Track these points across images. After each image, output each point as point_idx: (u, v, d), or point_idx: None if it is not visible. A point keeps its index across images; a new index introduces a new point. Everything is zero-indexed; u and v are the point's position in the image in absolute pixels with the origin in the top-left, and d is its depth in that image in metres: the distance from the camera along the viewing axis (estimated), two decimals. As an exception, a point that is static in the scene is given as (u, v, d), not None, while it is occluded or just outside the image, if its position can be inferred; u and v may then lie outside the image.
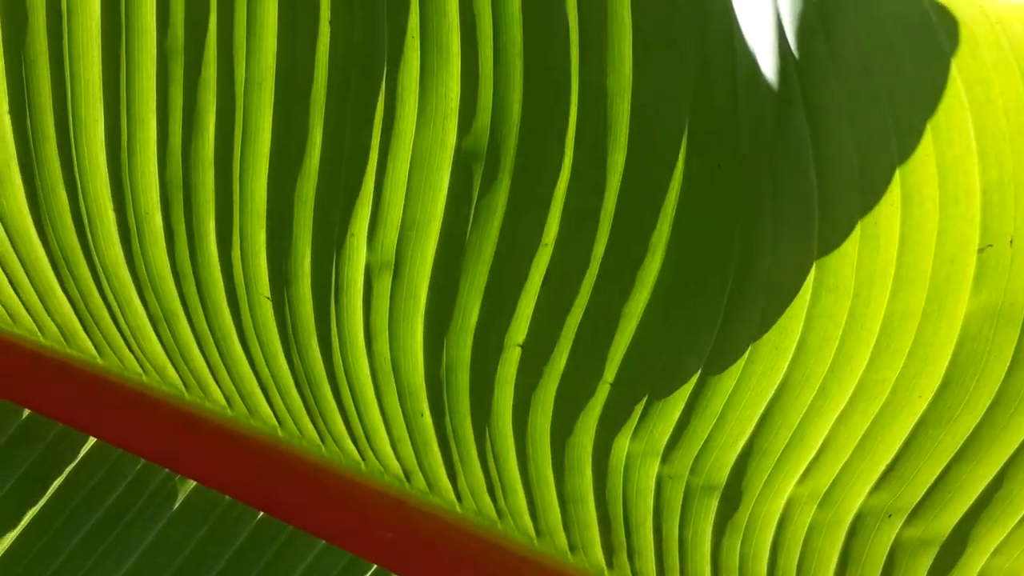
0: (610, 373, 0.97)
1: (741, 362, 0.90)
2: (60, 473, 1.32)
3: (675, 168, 0.83)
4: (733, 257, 0.83)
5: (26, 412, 1.33)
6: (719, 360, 0.90)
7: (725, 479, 1.02)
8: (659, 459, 1.04)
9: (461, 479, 1.23)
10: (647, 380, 0.96)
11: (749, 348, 0.88)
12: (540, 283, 0.96)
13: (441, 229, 0.98)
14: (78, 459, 1.33)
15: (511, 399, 1.07)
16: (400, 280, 1.03)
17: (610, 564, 1.22)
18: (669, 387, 0.95)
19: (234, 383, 1.27)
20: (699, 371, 0.92)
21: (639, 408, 0.98)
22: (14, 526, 1.30)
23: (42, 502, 1.31)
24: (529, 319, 0.99)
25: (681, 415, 0.97)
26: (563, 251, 0.92)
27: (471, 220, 0.96)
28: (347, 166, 0.97)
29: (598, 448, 1.06)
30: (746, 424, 0.94)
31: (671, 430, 1.00)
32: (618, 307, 0.92)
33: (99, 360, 1.32)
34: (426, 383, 1.12)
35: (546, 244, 0.93)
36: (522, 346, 1.01)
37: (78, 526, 1.31)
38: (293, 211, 1.03)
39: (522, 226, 0.93)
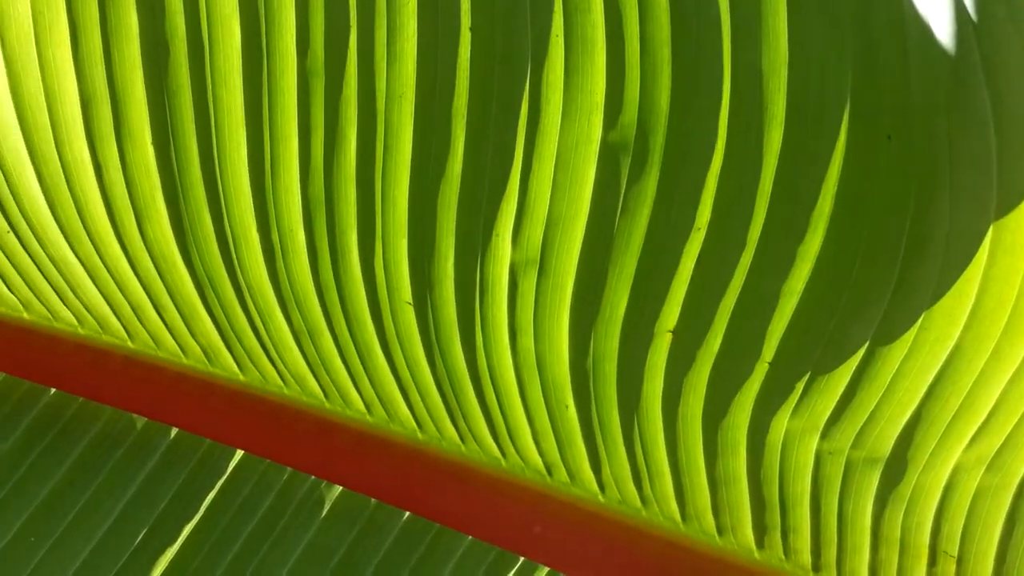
0: (768, 352, 0.96)
1: (913, 330, 0.88)
2: (212, 488, 1.34)
3: (837, 141, 0.82)
4: (906, 227, 0.81)
5: (174, 431, 1.36)
6: (889, 331, 0.88)
7: (889, 450, 1.00)
8: (819, 435, 1.03)
9: (605, 468, 1.22)
10: (809, 356, 0.94)
11: (922, 316, 0.86)
12: (692, 268, 0.95)
13: (587, 222, 0.97)
14: (227, 473, 1.35)
15: (661, 385, 1.07)
16: (546, 276, 1.03)
17: (760, 544, 1.21)
18: (833, 362, 0.93)
19: (375, 390, 1.28)
20: (867, 343, 0.90)
21: (800, 385, 0.97)
22: (173, 541, 1.33)
23: (197, 517, 1.33)
24: (681, 304, 0.98)
25: (845, 389, 0.96)
26: (717, 234, 0.91)
27: (619, 211, 0.95)
28: (491, 168, 0.97)
29: (754, 428, 1.05)
30: (915, 393, 0.93)
31: (833, 405, 0.98)
32: (777, 286, 0.91)
33: (241, 376, 1.34)
34: (571, 375, 1.12)
35: (699, 228, 0.92)
36: (674, 332, 1.00)
37: (233, 538, 1.34)
38: (436, 216, 1.04)
39: (673, 213, 0.92)
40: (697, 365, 1.01)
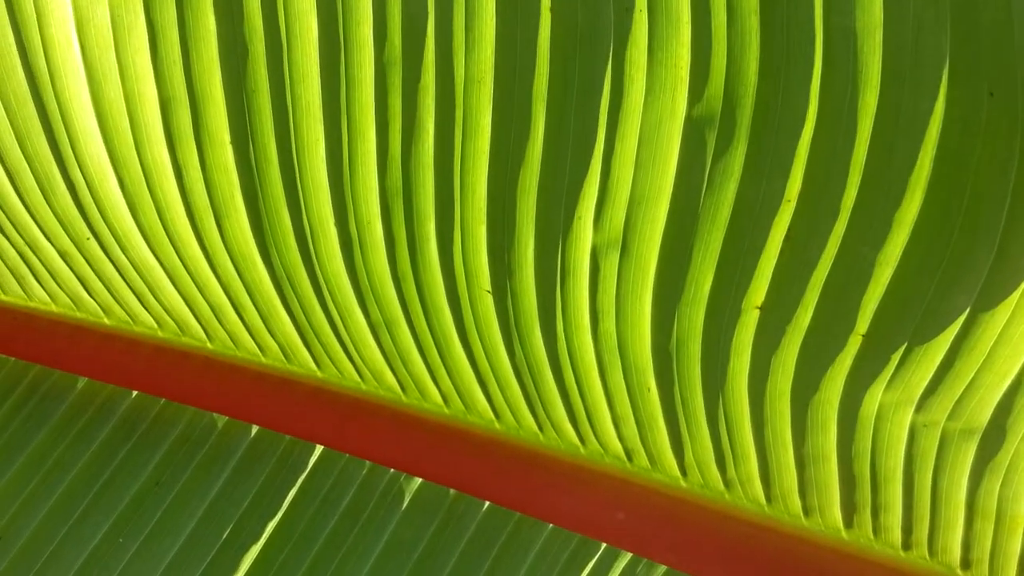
0: (863, 324, 0.93)
1: (1016, 295, 0.84)
2: (294, 484, 1.34)
3: (936, 101, 0.79)
4: (1008, 187, 0.78)
5: (255, 428, 1.36)
6: (990, 296, 0.85)
7: (987, 420, 0.97)
8: (914, 407, 0.99)
9: (688, 452, 1.20)
10: (906, 327, 0.91)
11: (1026, 279, 0.83)
12: (781, 241, 0.92)
13: (671, 201, 0.95)
14: (308, 469, 1.34)
15: (748, 363, 1.04)
16: (628, 257, 1.01)
17: (849, 524, 1.18)
18: (931, 331, 0.90)
19: (452, 381, 1.27)
20: (967, 310, 0.87)
21: (896, 357, 0.94)
22: (258, 538, 1.32)
23: (280, 513, 1.33)
24: (769, 279, 0.95)
25: (943, 359, 0.93)
26: (808, 205, 0.89)
27: (704, 187, 0.93)
28: (573, 150, 0.96)
29: (846, 404, 1.02)
30: (1015, 360, 0.89)
31: (930, 376, 0.95)
32: (872, 254, 0.88)
33: (319, 373, 1.34)
34: (653, 357, 1.10)
35: (789, 200, 0.89)
36: (761, 308, 0.98)
37: (317, 533, 1.33)
38: (516, 202, 1.02)
39: (762, 185, 0.90)
40: (786, 341, 0.99)
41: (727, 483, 1.22)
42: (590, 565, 1.28)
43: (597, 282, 1.04)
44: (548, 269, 1.05)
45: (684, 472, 1.23)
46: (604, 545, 1.28)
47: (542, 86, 0.93)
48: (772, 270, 0.94)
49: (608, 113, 0.92)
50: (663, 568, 1.27)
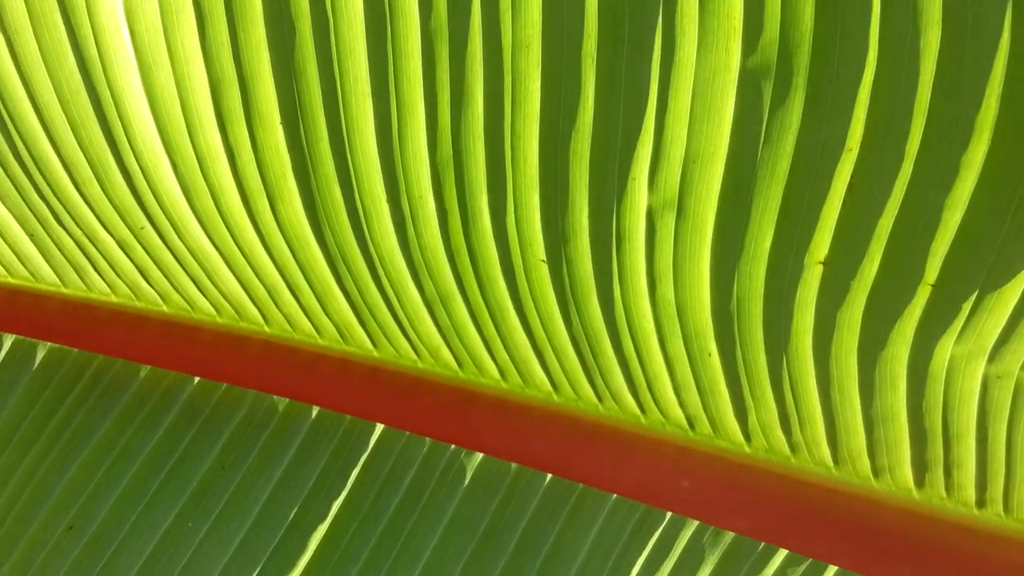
0: (931, 274, 0.91)
1: (1092, 234, 0.82)
2: (356, 463, 1.35)
3: (1001, 37, 0.76)
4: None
5: (315, 410, 1.37)
6: (1066, 236, 0.82)
7: (1065, 368, 0.94)
8: (986, 358, 0.97)
9: (752, 416, 1.18)
10: (976, 274, 0.89)
11: (1103, 217, 0.80)
12: (844, 192, 0.90)
13: (727, 156, 0.94)
14: (370, 448, 1.35)
15: (812, 321, 1.02)
16: (684, 217, 1.00)
17: (920, 483, 1.15)
18: (1003, 277, 0.87)
19: (509, 354, 1.26)
20: (1042, 253, 0.85)
21: (966, 307, 0.92)
22: (324, 518, 1.33)
23: (344, 492, 1.34)
24: (832, 232, 0.93)
25: (1016, 306, 0.90)
26: (870, 152, 0.86)
27: (761, 141, 0.91)
28: (624, 110, 0.94)
29: (915, 358, 1.00)
30: (1094, 303, 0.86)
31: (1003, 325, 0.92)
32: (939, 200, 0.86)
33: (375, 353, 1.34)
34: (714, 320, 1.08)
35: (850, 149, 0.87)
36: (824, 263, 0.96)
37: (381, 512, 1.34)
38: (568, 167, 1.01)
39: (821, 135, 0.88)
40: (851, 296, 0.96)
41: (793, 447, 1.20)
42: (656, 534, 1.27)
43: (653, 245, 1.03)
44: (603, 234, 1.04)
45: (748, 438, 1.22)
46: (670, 514, 1.27)
47: (591, 46, 0.91)
48: (835, 222, 0.92)
49: (660, 69, 0.90)
50: (731, 535, 1.26)
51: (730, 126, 0.91)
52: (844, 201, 0.90)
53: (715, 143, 0.93)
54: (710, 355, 1.12)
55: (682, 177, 0.96)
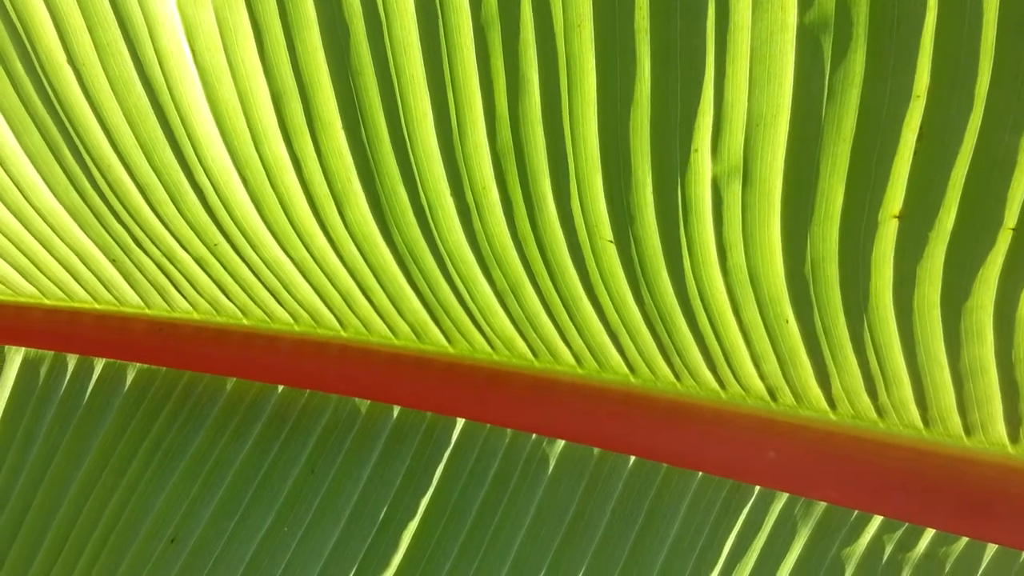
0: (1011, 218, 0.88)
1: None
2: (440, 459, 1.35)
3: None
4: None
5: (396, 409, 1.38)
6: None
7: None
8: (1078, 300, 0.93)
9: (835, 382, 1.16)
10: (1060, 212, 0.86)
11: None
12: (914, 142, 0.88)
13: (791, 117, 0.92)
14: (452, 443, 1.36)
15: (891, 278, 1.00)
16: (751, 183, 0.98)
17: (1015, 438, 1.12)
18: (1090, 212, 0.84)
19: (583, 339, 1.26)
20: None
21: (1052, 246, 0.88)
22: (413, 515, 1.34)
23: (431, 489, 1.35)
24: (905, 184, 0.91)
25: (1105, 241, 0.86)
26: (938, 99, 0.84)
27: (824, 97, 0.89)
28: (682, 80, 0.93)
29: (1001, 306, 0.97)
30: None
31: (1093, 262, 0.89)
32: (1013, 142, 0.83)
33: (450, 349, 1.35)
34: (788, 286, 1.06)
35: (917, 97, 0.85)
36: (900, 216, 0.93)
37: (468, 506, 1.34)
38: (629, 145, 1.00)
39: (887, 86, 0.86)
40: (930, 248, 0.94)
41: (880, 410, 1.17)
42: (746, 509, 1.25)
43: (721, 214, 1.01)
44: (669, 208, 1.03)
45: (833, 404, 1.19)
46: (758, 488, 1.25)
47: (643, 19, 0.91)
48: (907, 174, 0.90)
49: (715, 36, 0.89)
50: (822, 505, 1.23)
51: (791, 86, 0.90)
52: (915, 152, 0.88)
53: (777, 105, 0.91)
54: (787, 322, 1.10)
55: (745, 143, 0.95)
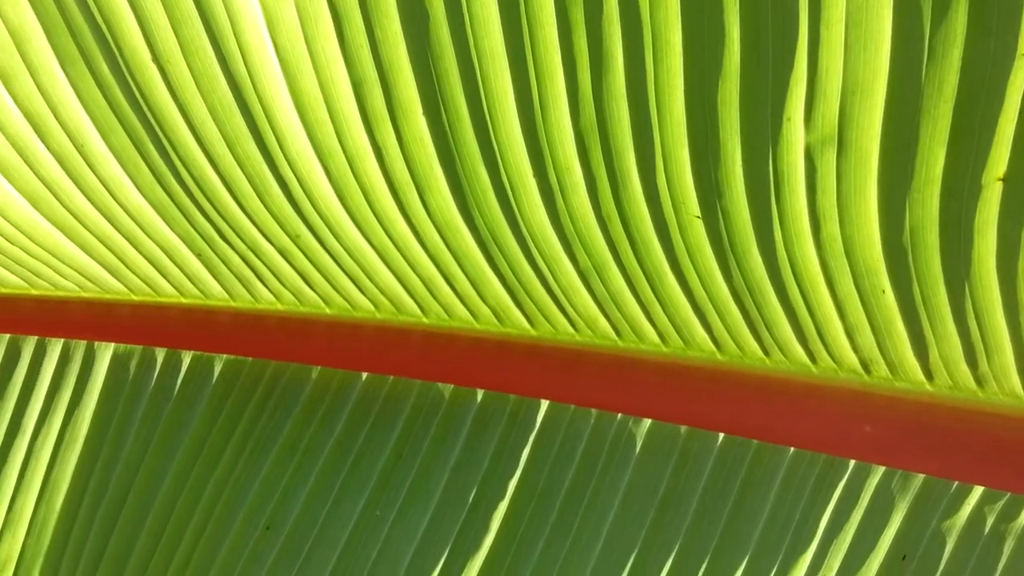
0: None
1: None
2: (526, 442, 1.35)
3: None
4: None
5: (480, 393, 1.38)
6: None
7: None
8: None
9: (933, 352, 1.13)
10: None
11: None
12: (1019, 101, 0.85)
13: (889, 81, 0.89)
14: (538, 425, 1.36)
15: (995, 244, 0.97)
16: (846, 151, 0.96)
17: (1126, 403, 1.08)
18: None
19: (668, 317, 1.24)
20: None
21: None
22: (502, 497, 1.35)
23: (519, 471, 1.35)
24: (1010, 145, 0.88)
25: None
26: (1049, 54, 0.81)
27: (924, 59, 0.87)
28: (774, 48, 0.91)
29: (1115, 267, 0.93)
30: None
31: None
32: None
33: (532, 331, 1.35)
34: (885, 255, 1.04)
35: (1023, 55, 0.82)
36: (1004, 179, 0.91)
37: (557, 486, 1.34)
38: (717, 116, 0.99)
39: (991, 44, 0.83)
40: (1037, 210, 0.91)
41: (979, 380, 1.14)
42: (841, 484, 1.23)
43: (815, 184, 0.99)
44: (759, 180, 1.01)
45: (930, 375, 1.17)
46: (853, 462, 1.23)
47: (733, -14, 0.89)
48: (1011, 135, 0.87)
49: (808, 1, 0.87)
50: (921, 477, 1.21)
51: (889, 49, 0.87)
52: (1021, 111, 0.85)
53: (874, 69, 0.89)
54: (883, 292, 1.07)
55: (841, 110, 0.93)
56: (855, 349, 1.17)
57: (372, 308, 1.38)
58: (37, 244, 1.35)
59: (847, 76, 0.90)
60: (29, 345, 1.49)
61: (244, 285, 1.38)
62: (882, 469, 1.22)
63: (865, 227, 1.01)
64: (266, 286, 1.38)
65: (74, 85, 1.13)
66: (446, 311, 1.35)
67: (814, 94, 0.92)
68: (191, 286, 1.40)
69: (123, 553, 1.43)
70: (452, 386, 1.38)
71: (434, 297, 1.33)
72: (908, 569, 1.21)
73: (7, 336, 1.50)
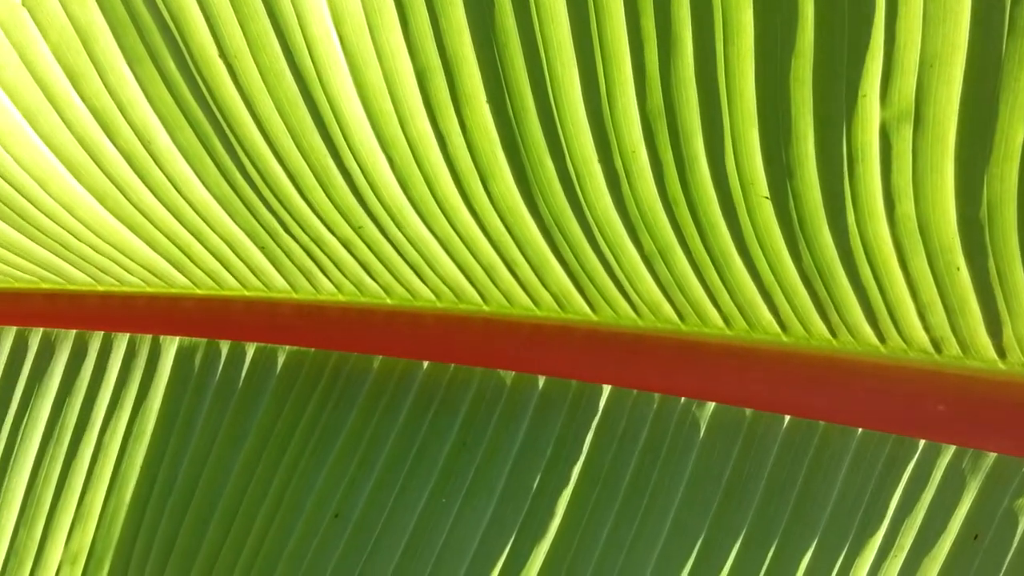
0: None
1: None
2: (590, 427, 1.35)
3: None
4: None
5: (542, 379, 1.38)
6: None
7: None
8: None
9: (1007, 330, 1.11)
10: None
11: None
12: (1107, 71, 0.82)
13: (968, 54, 0.88)
14: (600, 410, 1.35)
15: (1078, 217, 0.94)
16: (923, 127, 0.94)
17: None
18: None
19: (734, 300, 1.23)
20: None
21: None
22: (567, 482, 1.35)
23: (583, 456, 1.35)
24: (1097, 117, 0.86)
25: None
26: None
27: (1005, 31, 0.85)
28: (849, 24, 0.90)
29: None
30: None
31: None
32: None
33: (593, 316, 1.34)
34: (960, 232, 1.02)
35: (1114, 22, 0.80)
36: (1090, 151, 0.88)
37: (622, 471, 1.34)
38: (789, 95, 0.97)
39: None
40: (1125, 182, 0.89)
41: (1055, 357, 1.12)
42: (911, 464, 1.22)
43: (890, 162, 0.98)
44: (832, 159, 1.00)
45: (1003, 353, 1.15)
46: (923, 442, 1.22)
47: (807, -37, 0.87)
48: (1099, 106, 0.85)
49: (886, -26, 0.85)
50: (993, 456, 1.19)
51: (969, 21, 0.85)
52: (1108, 81, 0.83)
53: (953, 43, 0.87)
54: (958, 269, 1.06)
55: (918, 85, 0.91)
56: (926, 328, 1.16)
57: (433, 297, 1.38)
58: (104, 241, 1.36)
59: (924, 50, 0.88)
60: (96, 341, 1.52)
61: (306, 277, 1.39)
62: (953, 448, 1.20)
63: (941, 204, 0.99)
64: (328, 277, 1.38)
65: (141, 83, 1.14)
66: (507, 299, 1.35)
67: (891, 69, 0.91)
68: (254, 279, 1.41)
69: (192, 544, 1.45)
70: (514, 373, 1.37)
71: (495, 285, 1.33)
72: (980, 548, 1.19)
73: (74, 332, 1.52)
